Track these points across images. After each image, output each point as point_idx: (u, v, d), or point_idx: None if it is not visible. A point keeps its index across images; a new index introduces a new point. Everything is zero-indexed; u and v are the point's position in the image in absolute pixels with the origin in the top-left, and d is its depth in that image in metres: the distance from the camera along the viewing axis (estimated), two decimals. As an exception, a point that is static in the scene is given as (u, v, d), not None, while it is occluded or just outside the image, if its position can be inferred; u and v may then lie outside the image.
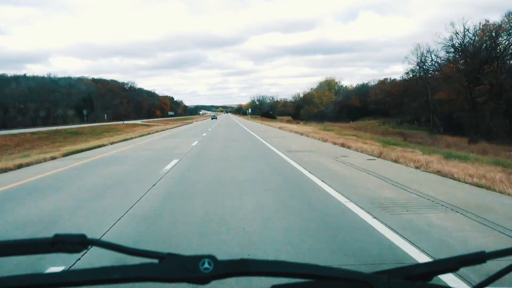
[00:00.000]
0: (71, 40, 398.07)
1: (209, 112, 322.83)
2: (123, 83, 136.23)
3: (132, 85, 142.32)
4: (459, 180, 7.15)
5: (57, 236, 0.65)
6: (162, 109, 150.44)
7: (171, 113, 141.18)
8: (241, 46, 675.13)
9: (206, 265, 0.62)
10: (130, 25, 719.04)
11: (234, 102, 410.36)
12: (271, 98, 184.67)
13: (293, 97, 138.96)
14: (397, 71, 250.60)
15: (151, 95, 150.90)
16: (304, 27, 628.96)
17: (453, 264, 0.72)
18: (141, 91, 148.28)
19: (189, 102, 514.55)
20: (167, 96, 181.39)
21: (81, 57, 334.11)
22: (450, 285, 2.10)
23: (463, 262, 0.72)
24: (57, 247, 0.64)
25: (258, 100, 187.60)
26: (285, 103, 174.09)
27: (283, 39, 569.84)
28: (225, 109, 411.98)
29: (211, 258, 0.63)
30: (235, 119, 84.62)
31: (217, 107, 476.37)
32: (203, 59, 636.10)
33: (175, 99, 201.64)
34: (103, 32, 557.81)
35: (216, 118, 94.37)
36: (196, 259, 0.63)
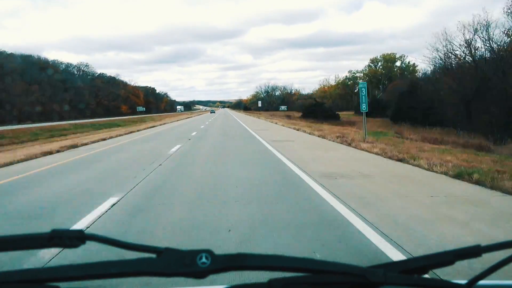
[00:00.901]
0: (64, 34, 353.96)
1: (202, 108, 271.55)
2: (53, 62, 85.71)
3: (84, 69, 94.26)
4: None
5: (54, 231, 0.63)
6: (131, 104, 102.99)
7: (141, 109, 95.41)
8: (240, 38, 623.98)
9: (204, 259, 0.62)
10: (125, 17, 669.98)
11: (232, 97, 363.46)
12: (282, 89, 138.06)
13: (318, 86, 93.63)
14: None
15: (112, 82, 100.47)
16: (307, 17, 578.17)
17: (448, 258, 0.71)
18: (102, 76, 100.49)
19: (186, 98, 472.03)
20: (145, 86, 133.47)
21: (76, 51, 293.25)
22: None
23: (458, 256, 0.71)
24: (55, 242, 0.63)
25: (266, 92, 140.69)
26: (300, 95, 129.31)
27: (284, 31, 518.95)
28: (223, 103, 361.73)
29: (209, 252, 0.63)
30: (244, 123, 36.23)
31: (214, 102, 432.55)
32: (201, 53, 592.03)
33: (157, 91, 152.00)
34: (97, 25, 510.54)
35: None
36: (194, 254, 0.63)
